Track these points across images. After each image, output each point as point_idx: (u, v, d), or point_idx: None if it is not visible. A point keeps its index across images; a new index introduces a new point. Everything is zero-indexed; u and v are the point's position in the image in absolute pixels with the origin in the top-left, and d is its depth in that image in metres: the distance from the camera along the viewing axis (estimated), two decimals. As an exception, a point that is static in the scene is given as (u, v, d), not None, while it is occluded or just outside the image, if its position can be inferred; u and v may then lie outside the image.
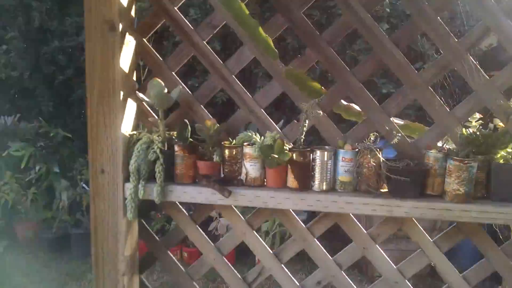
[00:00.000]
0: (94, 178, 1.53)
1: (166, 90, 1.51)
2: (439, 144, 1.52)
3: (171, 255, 1.72)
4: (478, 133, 1.45)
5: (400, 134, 1.50)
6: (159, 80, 1.51)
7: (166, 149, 1.53)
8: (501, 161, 1.43)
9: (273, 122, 1.59)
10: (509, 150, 1.43)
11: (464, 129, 1.47)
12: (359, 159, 1.47)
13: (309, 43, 1.54)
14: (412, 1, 1.46)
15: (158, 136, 1.54)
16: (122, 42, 1.48)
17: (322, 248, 1.62)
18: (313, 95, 1.51)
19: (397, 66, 1.50)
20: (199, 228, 1.67)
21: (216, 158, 1.53)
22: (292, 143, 1.56)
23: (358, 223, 1.60)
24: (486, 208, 1.37)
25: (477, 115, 1.51)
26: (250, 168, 1.51)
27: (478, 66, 1.46)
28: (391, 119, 1.61)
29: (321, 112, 1.47)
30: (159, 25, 1.60)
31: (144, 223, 1.71)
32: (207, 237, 1.68)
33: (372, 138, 1.49)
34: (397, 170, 1.41)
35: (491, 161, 1.42)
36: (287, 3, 1.51)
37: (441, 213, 1.40)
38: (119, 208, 1.53)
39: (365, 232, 1.59)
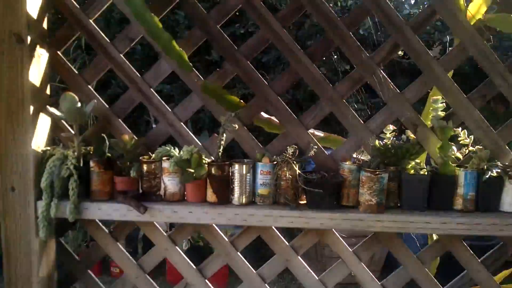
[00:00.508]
0: (3, 196, 1.46)
1: (79, 104, 1.47)
2: (355, 155, 1.56)
3: (92, 274, 1.66)
4: (389, 144, 1.50)
5: (316, 147, 1.52)
6: (72, 94, 1.46)
7: (82, 165, 1.48)
8: (412, 171, 1.48)
9: (193, 136, 1.58)
10: (417, 160, 1.48)
11: (377, 141, 1.51)
12: (277, 172, 1.48)
13: (227, 56, 1.54)
14: (326, 16, 1.49)
15: (73, 152, 1.49)
16: (31, 55, 1.43)
17: (246, 261, 1.61)
18: (231, 108, 1.51)
19: (312, 80, 1.53)
20: (119, 246, 1.62)
21: (133, 173, 1.49)
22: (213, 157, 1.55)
23: (280, 235, 1.60)
24: (396, 217, 1.41)
25: (391, 127, 1.56)
26: (169, 183, 1.49)
27: (389, 80, 1.51)
28: (312, 131, 1.64)
29: (236, 126, 1.47)
30: (74, 37, 1.56)
31: (62, 241, 1.64)
32: (128, 255, 1.63)
33: (290, 151, 1.51)
34: (312, 182, 1.43)
35: (402, 171, 1.47)
36: (204, 17, 1.51)
37: (355, 223, 1.43)
38: (31, 227, 1.47)
39: (287, 244, 1.60)
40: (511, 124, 1.52)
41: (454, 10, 1.47)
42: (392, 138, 1.55)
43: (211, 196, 1.48)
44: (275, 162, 1.49)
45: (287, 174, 1.46)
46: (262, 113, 1.62)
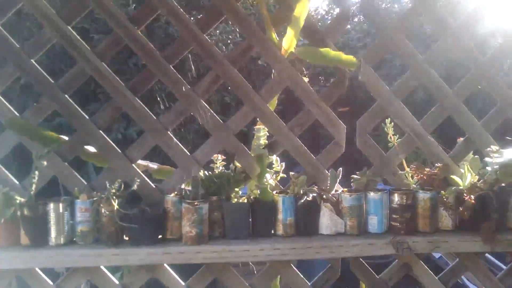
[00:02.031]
0: None
1: None
2: (184, 186, 1.55)
3: None
4: (213, 174, 1.51)
5: (139, 180, 1.50)
6: None
7: None
8: (235, 200, 1.50)
9: (9, 174, 1.49)
10: (236, 189, 1.51)
11: (202, 172, 1.52)
12: (96, 208, 1.43)
13: (43, 92, 1.49)
14: (147, 51, 1.50)
15: None
16: None
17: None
18: (48, 144, 1.45)
19: (135, 112, 1.52)
20: None
21: None
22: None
23: (107, 273, 1.53)
24: (214, 248, 1.41)
25: (219, 157, 1.58)
26: (-23, 227, 1.38)
27: (211, 111, 1.54)
28: (145, 163, 1.62)
29: (45, 163, 1.41)
30: None
31: None
32: None
33: (116, 185, 1.47)
34: (129, 217, 1.40)
35: (224, 201, 1.48)
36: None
37: (176, 256, 1.41)
38: None
39: (117, 283, 1.53)
40: (328, 150, 1.60)
41: (269, 45, 1.54)
42: (221, 167, 1.58)
43: (23, 238, 1.39)
44: (94, 199, 1.44)
45: (107, 210, 1.41)
46: (88, 147, 1.57)
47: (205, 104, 1.54)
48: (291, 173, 1.52)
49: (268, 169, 1.52)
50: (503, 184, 1.54)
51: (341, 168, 1.59)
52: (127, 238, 1.46)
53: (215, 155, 1.57)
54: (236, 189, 1.50)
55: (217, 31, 5.18)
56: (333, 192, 1.54)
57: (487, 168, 1.51)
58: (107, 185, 1.43)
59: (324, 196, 1.50)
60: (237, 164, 1.58)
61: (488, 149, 1.51)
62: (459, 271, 1.65)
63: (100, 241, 1.44)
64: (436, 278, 1.64)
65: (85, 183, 1.52)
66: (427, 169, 1.56)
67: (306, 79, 1.57)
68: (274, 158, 1.52)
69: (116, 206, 1.42)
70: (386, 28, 1.56)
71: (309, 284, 1.61)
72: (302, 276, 1.60)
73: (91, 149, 1.57)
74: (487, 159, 1.51)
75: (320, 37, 1.57)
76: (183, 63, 4.44)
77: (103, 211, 1.41)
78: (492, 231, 1.43)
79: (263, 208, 1.49)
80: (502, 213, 1.51)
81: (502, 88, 1.60)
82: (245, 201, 1.49)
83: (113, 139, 1.55)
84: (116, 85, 1.51)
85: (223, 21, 1.95)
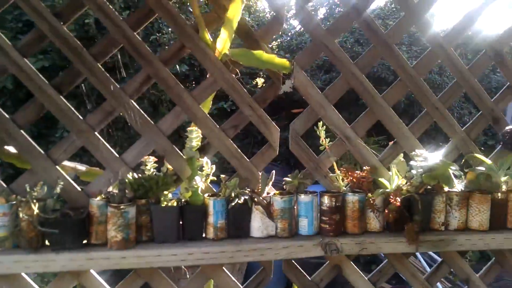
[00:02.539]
0: None
1: None
2: (111, 189, 1.50)
3: None
4: (142, 177, 1.47)
5: (63, 183, 1.43)
6: None
7: None
8: (164, 203, 1.46)
9: None
10: (165, 192, 1.47)
11: (130, 174, 1.48)
12: (16, 213, 1.35)
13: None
14: (71, 47, 1.44)
15: None
16: None
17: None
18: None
19: (59, 112, 1.45)
20: None
21: None
22: None
23: (30, 282, 1.46)
24: (140, 252, 1.37)
25: (151, 158, 1.54)
26: None
27: (141, 111, 1.50)
28: (73, 165, 1.55)
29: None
30: None
31: None
32: None
33: (39, 188, 1.40)
34: (50, 222, 1.34)
35: (152, 204, 1.44)
36: None
37: (100, 262, 1.36)
38: None
39: (39, 290, 1.46)
40: (263, 152, 1.60)
41: (202, 46, 1.52)
42: (152, 170, 1.54)
43: None
44: (13, 202, 1.36)
45: (26, 215, 1.34)
46: (9, 147, 1.48)
47: (135, 104, 1.50)
48: (222, 175, 1.51)
49: (199, 172, 1.50)
50: (429, 187, 1.60)
51: (273, 171, 1.59)
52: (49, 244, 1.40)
53: (146, 157, 1.53)
54: (165, 192, 1.46)
55: (169, 29, 5.06)
56: (265, 194, 1.54)
57: (412, 171, 1.56)
58: (27, 188, 1.36)
59: (256, 199, 1.50)
60: (169, 166, 1.55)
61: (413, 153, 1.56)
62: (387, 272, 1.70)
63: (20, 247, 1.37)
64: (366, 278, 1.68)
65: (4, 185, 1.44)
66: (358, 172, 1.60)
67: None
68: (205, 160, 1.50)
69: (36, 210, 1.35)
70: (318, 34, 1.57)
71: (242, 286, 1.61)
72: (233, 279, 1.59)
73: (12, 149, 1.49)
74: (412, 162, 1.56)
75: (254, 39, 1.57)
76: (117, 62, 4.33)
77: (21, 215, 1.34)
78: (415, 233, 1.48)
79: (193, 211, 1.47)
80: (427, 215, 1.57)
81: (428, 92, 1.66)
82: (174, 204, 1.46)
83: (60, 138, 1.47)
84: (39, 82, 1.43)
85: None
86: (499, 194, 1.62)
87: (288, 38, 6.29)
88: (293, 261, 1.63)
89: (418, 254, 4.47)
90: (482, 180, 1.62)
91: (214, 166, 1.51)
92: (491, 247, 1.58)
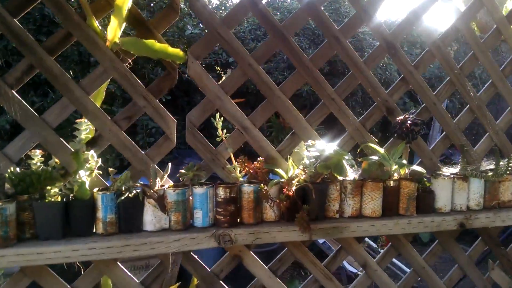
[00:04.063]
0: None
1: None
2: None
3: None
4: (25, 171, 1.40)
5: None
6: None
7: None
8: (49, 199, 1.40)
9: None
10: (48, 187, 1.41)
11: (11, 169, 1.40)
12: None
13: None
14: None
15: None
16: None
17: None
18: None
19: None
20: None
21: None
22: None
23: None
24: (23, 250, 1.31)
25: (38, 152, 1.47)
26: None
27: (23, 102, 1.42)
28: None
29: None
30: None
31: None
32: None
33: None
34: None
35: (34, 200, 1.38)
36: None
37: (-26, 262, 1.28)
38: None
39: None
40: (159, 144, 1.57)
41: (90, 34, 1.46)
42: (40, 163, 1.47)
43: None
44: None
45: None
46: None
47: (15, 95, 1.42)
48: (110, 169, 1.46)
49: (90, 165, 1.45)
50: (326, 176, 1.64)
51: (170, 163, 1.57)
52: None
53: (33, 151, 1.46)
54: (48, 187, 1.40)
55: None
56: (159, 187, 1.52)
57: (305, 161, 1.59)
58: None
59: (148, 192, 1.47)
60: (56, 160, 1.48)
61: (306, 143, 1.60)
62: (286, 260, 1.74)
63: None
64: (266, 267, 1.70)
65: None
66: (256, 163, 1.61)
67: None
68: (90, 153, 1.45)
69: None
70: (213, 23, 1.56)
71: (138, 281, 1.58)
72: (129, 274, 1.56)
73: None
74: (305, 152, 1.59)
75: (147, 28, 1.53)
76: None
77: None
78: (306, 221, 1.51)
79: (80, 207, 1.41)
80: (321, 203, 1.61)
81: (324, 84, 1.69)
82: (59, 199, 1.40)
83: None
84: None
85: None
86: (391, 182, 1.69)
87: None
88: (191, 253, 1.63)
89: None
90: (374, 168, 1.68)
91: (100, 160, 1.46)
92: (382, 233, 1.65)
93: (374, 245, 4.73)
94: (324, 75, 1.68)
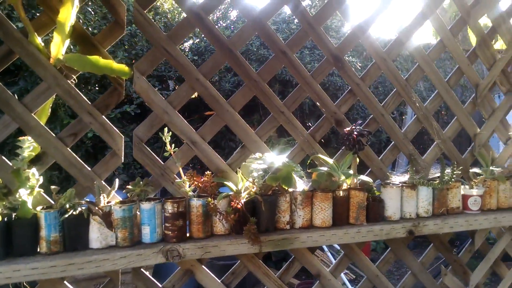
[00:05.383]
0: None
1: None
2: None
3: None
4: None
5: None
6: None
7: None
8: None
9: None
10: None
11: (-51, 189, 1.36)
12: None
13: None
14: None
15: None
16: None
17: None
18: None
19: None
20: None
21: None
22: None
23: None
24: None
25: (-21, 171, 1.44)
26: None
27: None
28: None
29: None
30: None
31: None
32: None
33: None
34: None
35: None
36: None
37: None
38: None
39: None
40: (106, 160, 1.56)
41: (32, 50, 1.44)
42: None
43: None
44: None
45: None
46: None
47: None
48: (52, 187, 1.44)
49: (31, 183, 1.43)
50: (276, 188, 1.66)
51: (117, 179, 1.56)
52: None
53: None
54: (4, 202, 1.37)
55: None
56: (104, 204, 1.50)
57: (254, 174, 1.61)
58: None
59: (93, 210, 1.46)
60: (-1, 178, 1.45)
61: (252, 156, 1.61)
62: (240, 273, 1.74)
63: None
64: (219, 281, 1.70)
65: None
66: (205, 177, 1.61)
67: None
68: (31, 172, 1.43)
69: None
70: (158, 38, 1.57)
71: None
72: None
73: None
74: (253, 165, 1.60)
75: (92, 44, 1.52)
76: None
77: None
78: (253, 233, 1.52)
79: (22, 226, 1.39)
80: (271, 215, 1.62)
81: (272, 97, 1.72)
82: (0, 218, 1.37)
83: None
84: None
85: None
86: (341, 192, 1.72)
87: (198, 40, 6.26)
88: (142, 269, 1.61)
89: (324, 247, 4.65)
90: (323, 179, 1.71)
91: (41, 178, 1.44)
92: (332, 242, 1.68)
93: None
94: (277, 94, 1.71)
